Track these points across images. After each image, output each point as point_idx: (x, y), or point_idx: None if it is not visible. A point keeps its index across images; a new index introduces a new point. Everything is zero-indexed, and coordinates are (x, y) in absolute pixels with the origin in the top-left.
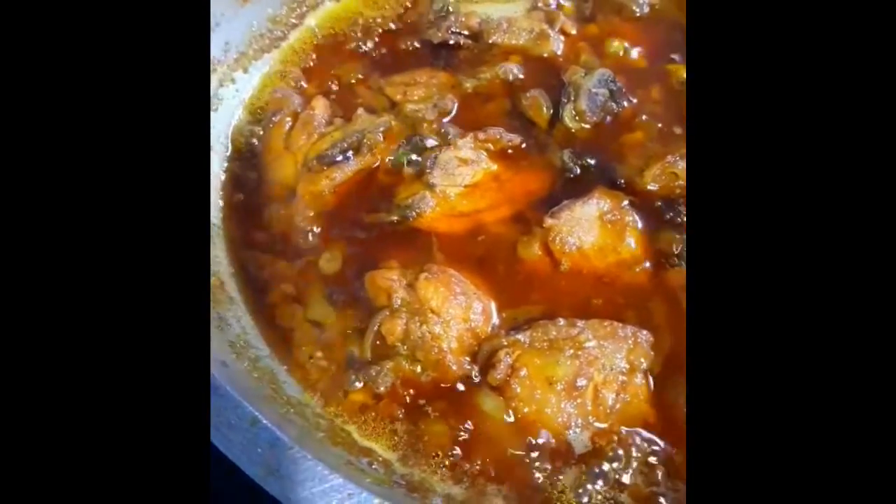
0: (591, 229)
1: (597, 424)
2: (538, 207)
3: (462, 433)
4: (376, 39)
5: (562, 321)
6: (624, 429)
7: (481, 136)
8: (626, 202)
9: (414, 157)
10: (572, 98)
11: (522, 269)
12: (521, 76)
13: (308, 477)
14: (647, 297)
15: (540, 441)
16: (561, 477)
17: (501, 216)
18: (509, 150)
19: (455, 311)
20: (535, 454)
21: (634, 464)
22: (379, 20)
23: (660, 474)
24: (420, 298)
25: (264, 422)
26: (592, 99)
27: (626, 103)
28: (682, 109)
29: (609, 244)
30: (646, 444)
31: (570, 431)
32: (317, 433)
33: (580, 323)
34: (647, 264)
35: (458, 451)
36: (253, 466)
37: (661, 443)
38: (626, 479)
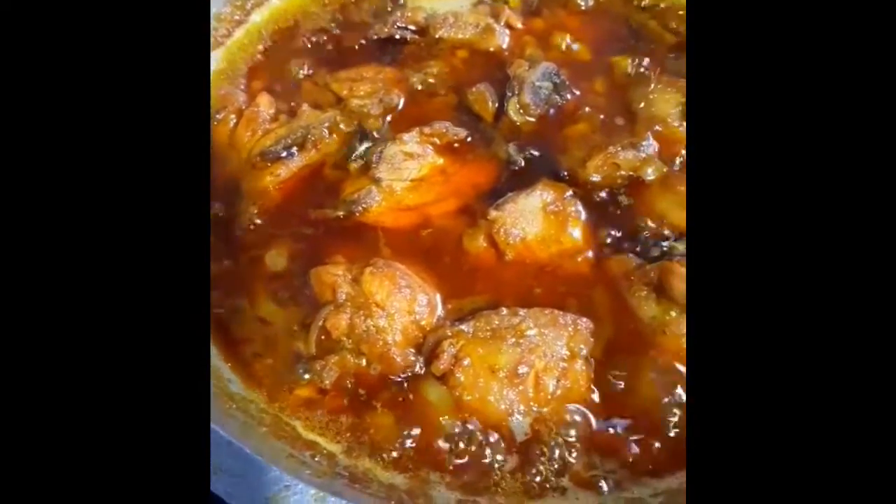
0: (535, 220)
1: (538, 410)
2: (484, 200)
3: (407, 424)
4: (322, 36)
5: (504, 310)
6: (565, 415)
7: (427, 130)
8: (569, 193)
9: (360, 151)
10: (517, 91)
11: (468, 260)
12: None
13: (246, 471)
14: (588, 286)
15: (483, 428)
16: (503, 463)
17: (447, 209)
18: (455, 144)
19: (400, 304)
20: (478, 441)
21: (574, 450)
22: (325, 16)
23: (598, 458)
24: (365, 293)
25: None
26: (536, 92)
27: (569, 96)
28: (625, 101)
29: (552, 235)
30: (586, 429)
31: (513, 418)
32: (260, 428)
33: (522, 311)
34: (590, 254)
35: (402, 441)
36: None
37: (601, 427)
38: (566, 463)
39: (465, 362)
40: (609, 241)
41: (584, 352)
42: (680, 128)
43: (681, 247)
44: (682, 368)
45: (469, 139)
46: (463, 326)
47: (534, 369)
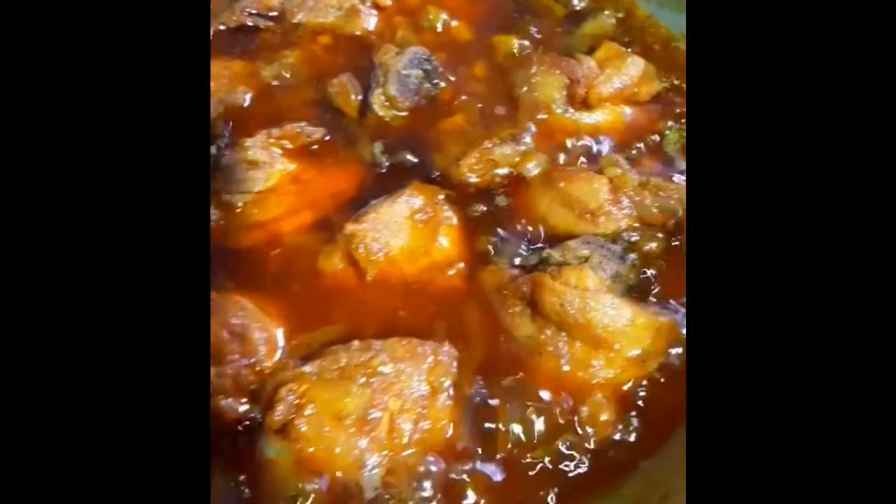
0: (400, 231)
1: (393, 458)
2: (345, 210)
3: (243, 485)
4: None
5: (356, 344)
6: (419, 466)
7: (276, 132)
8: (440, 197)
9: None
10: (382, 82)
11: (323, 283)
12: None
13: None
14: (460, 303)
15: (331, 486)
16: None
17: (302, 223)
18: (314, 147)
19: (232, 347)
20: (322, 500)
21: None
22: None
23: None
24: None
25: None
26: (403, 82)
27: (443, 84)
28: (507, 86)
29: (420, 246)
30: (442, 479)
31: (364, 471)
32: None
33: (377, 344)
34: (462, 265)
35: None
36: None
37: (466, 468)
38: None
39: (308, 410)
40: (484, 249)
41: (448, 384)
42: (566, 114)
43: (556, 255)
44: (556, 397)
45: (328, 139)
46: (307, 367)
47: (387, 412)
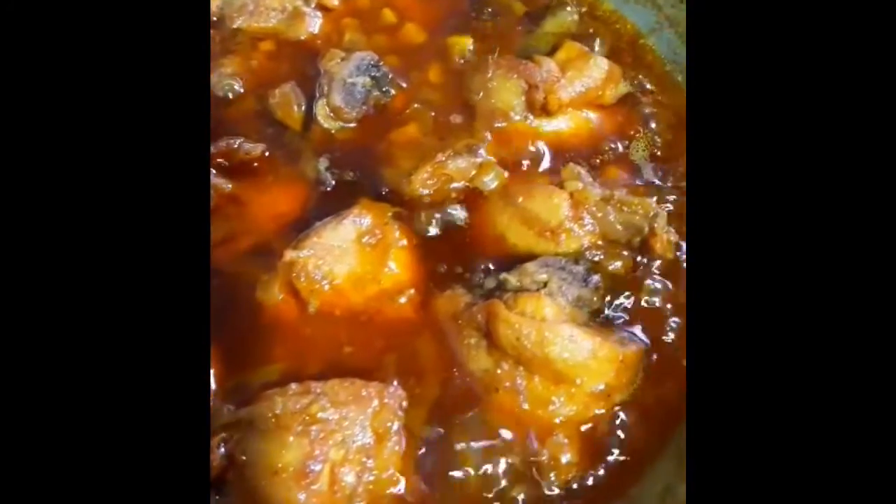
0: (346, 256)
1: None
2: (287, 234)
3: None
4: None
5: (293, 387)
6: None
7: (211, 150)
8: (390, 215)
9: None
10: (326, 91)
11: (262, 317)
12: None
13: None
14: (411, 335)
15: None
16: None
17: (240, 250)
18: (254, 164)
19: None
20: None
21: None
22: None
23: None
24: None
25: None
26: (349, 91)
27: (394, 91)
28: (462, 92)
29: (368, 272)
30: None
31: None
32: None
33: (317, 387)
34: (412, 291)
35: None
36: None
37: None
38: None
39: (242, 462)
40: (439, 273)
41: (396, 427)
42: (527, 121)
43: (513, 279)
44: (516, 437)
45: (269, 155)
46: (241, 413)
47: (329, 463)
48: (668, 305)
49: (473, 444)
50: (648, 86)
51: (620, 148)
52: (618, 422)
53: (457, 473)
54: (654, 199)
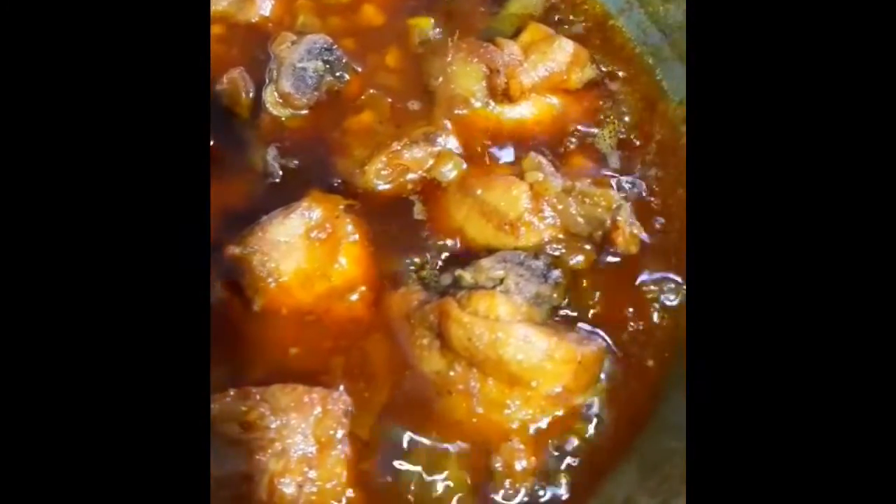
0: (293, 252)
1: None
2: (234, 229)
3: None
4: None
5: (232, 393)
6: None
7: None
8: (342, 208)
9: None
10: (275, 77)
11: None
12: None
13: None
14: (362, 335)
15: None
16: None
17: None
18: None
19: None
20: None
21: None
22: None
23: None
24: None
25: None
26: (300, 76)
27: (348, 76)
28: (422, 77)
29: (317, 269)
30: None
31: None
32: None
33: (257, 393)
34: (364, 289)
35: None
36: None
37: None
38: None
39: None
40: (392, 269)
41: (340, 434)
42: (488, 108)
43: (468, 276)
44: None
45: (215, 145)
46: None
47: (267, 474)
48: (630, 309)
49: (424, 451)
50: (616, 69)
51: (586, 135)
52: (577, 426)
53: (405, 481)
54: (618, 190)
